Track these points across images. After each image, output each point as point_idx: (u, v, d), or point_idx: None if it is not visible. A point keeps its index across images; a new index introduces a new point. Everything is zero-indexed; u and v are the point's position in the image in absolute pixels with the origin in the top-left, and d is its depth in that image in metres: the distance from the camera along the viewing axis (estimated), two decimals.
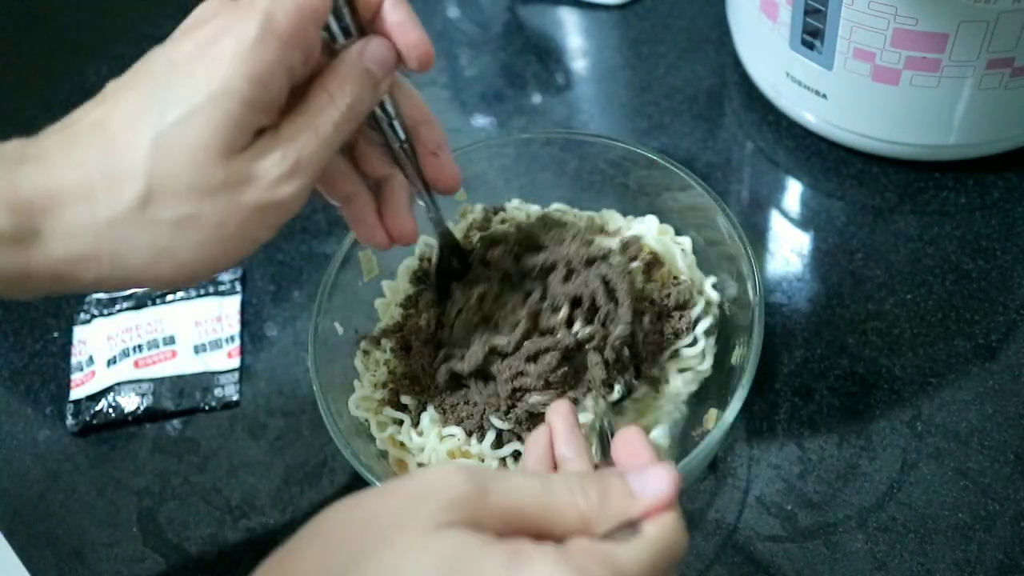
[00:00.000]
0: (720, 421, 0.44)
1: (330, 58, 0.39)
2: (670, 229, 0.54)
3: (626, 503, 0.31)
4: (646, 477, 0.32)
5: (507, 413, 0.47)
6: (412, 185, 0.45)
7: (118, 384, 0.59)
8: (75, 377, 0.60)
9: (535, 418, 0.46)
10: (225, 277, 0.63)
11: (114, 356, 0.60)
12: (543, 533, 0.30)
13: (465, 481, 0.30)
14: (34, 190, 0.35)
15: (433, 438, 0.48)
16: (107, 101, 0.37)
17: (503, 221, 0.55)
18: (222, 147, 0.36)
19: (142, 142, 0.35)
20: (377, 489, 0.32)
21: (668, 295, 0.50)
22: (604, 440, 0.44)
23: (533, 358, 0.46)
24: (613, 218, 0.55)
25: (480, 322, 0.48)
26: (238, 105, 0.35)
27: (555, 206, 0.56)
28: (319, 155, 0.38)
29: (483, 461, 0.47)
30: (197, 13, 0.38)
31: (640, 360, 0.48)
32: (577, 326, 0.47)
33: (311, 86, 0.39)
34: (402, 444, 0.50)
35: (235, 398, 0.58)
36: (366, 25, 0.40)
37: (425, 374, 0.49)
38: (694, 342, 0.49)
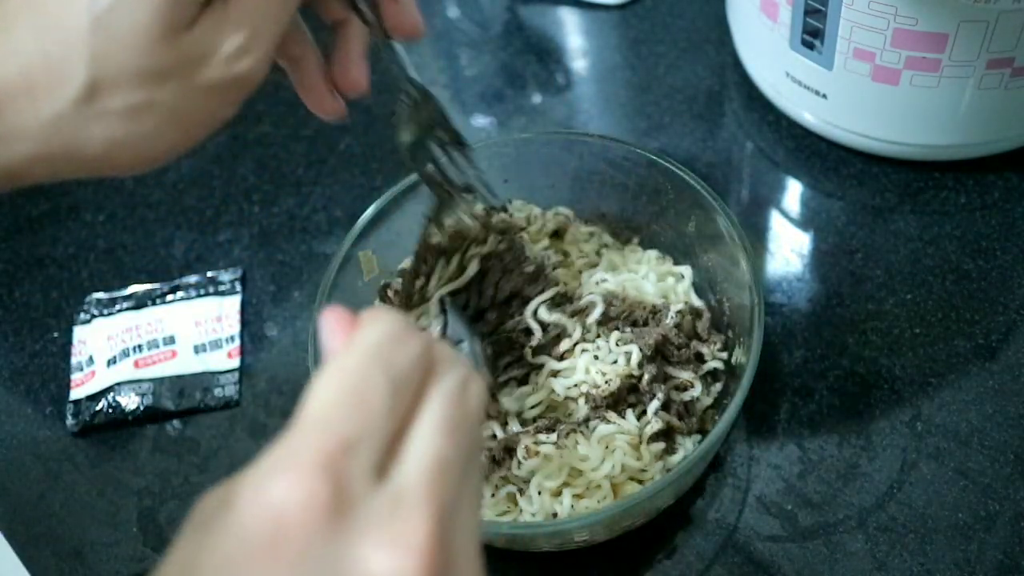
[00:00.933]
0: (720, 421, 0.44)
1: None
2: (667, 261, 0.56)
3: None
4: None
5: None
6: (373, 34, 0.41)
7: (118, 384, 0.59)
8: (75, 377, 0.60)
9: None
10: (225, 277, 0.63)
11: (114, 356, 0.60)
12: None
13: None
14: None
15: None
16: None
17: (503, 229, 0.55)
18: (167, 25, 0.32)
19: (79, 26, 0.31)
20: None
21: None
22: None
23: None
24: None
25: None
26: None
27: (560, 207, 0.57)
28: (277, 19, 0.34)
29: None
30: None
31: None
32: None
33: None
34: None
35: (235, 398, 0.58)
36: None
37: None
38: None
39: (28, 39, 0.32)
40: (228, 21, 0.33)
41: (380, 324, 0.28)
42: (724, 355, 0.50)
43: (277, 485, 0.24)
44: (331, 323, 0.30)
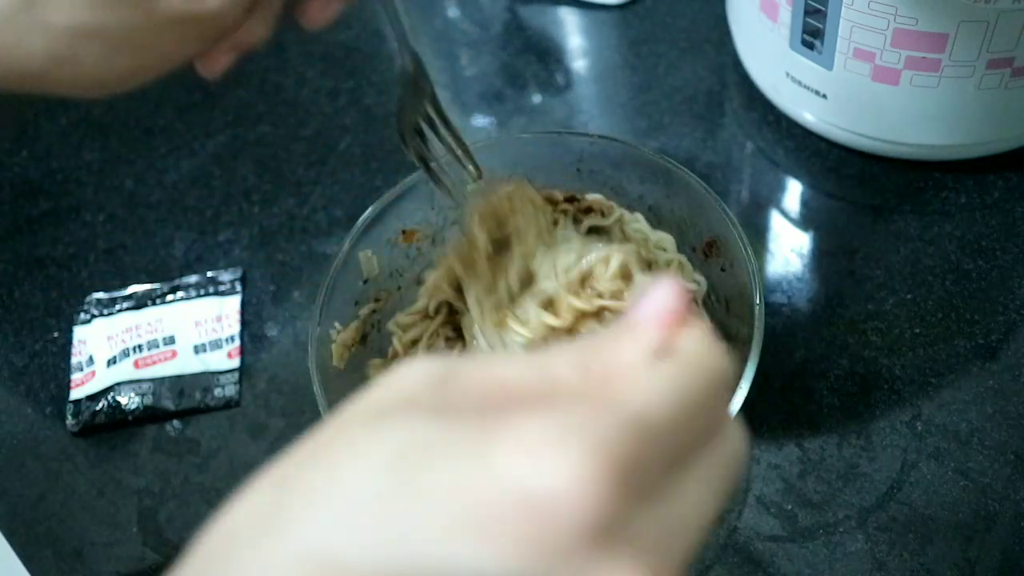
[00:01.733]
0: None
1: None
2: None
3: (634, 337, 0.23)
4: (643, 301, 0.24)
5: None
6: None
7: (118, 384, 0.59)
8: (75, 377, 0.60)
9: None
10: (225, 277, 0.63)
11: (114, 356, 0.60)
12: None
13: (427, 367, 0.23)
14: None
15: None
16: None
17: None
18: None
19: None
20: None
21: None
22: None
23: None
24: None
25: None
26: None
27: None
28: None
29: None
30: None
31: None
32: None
33: None
34: None
35: (235, 398, 0.58)
36: None
37: None
38: None
39: None
40: None
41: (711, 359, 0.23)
42: None
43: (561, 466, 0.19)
44: (664, 304, 0.24)
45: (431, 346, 0.52)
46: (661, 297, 0.24)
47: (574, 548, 0.19)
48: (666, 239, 0.54)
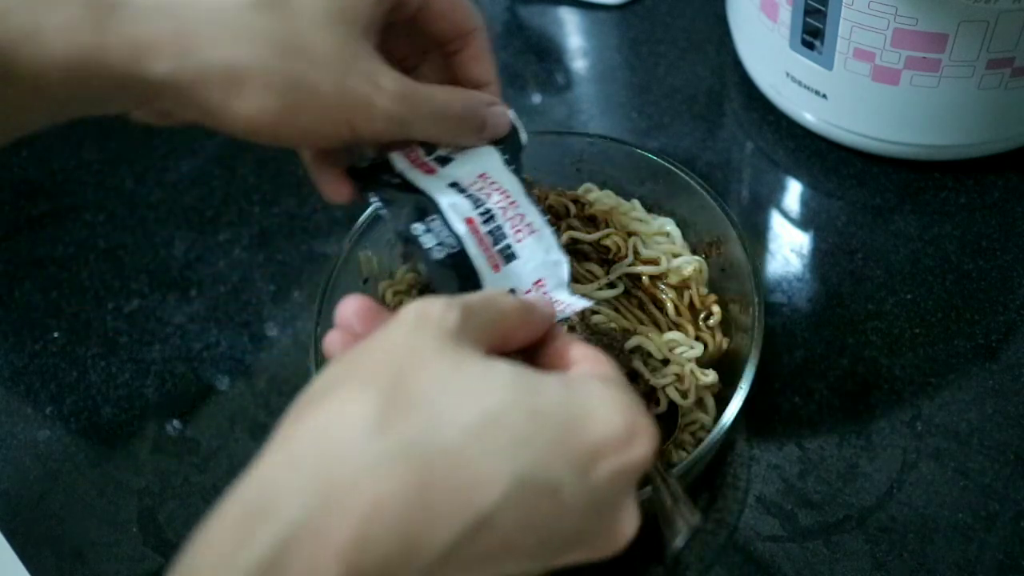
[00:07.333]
0: (720, 421, 0.44)
1: None
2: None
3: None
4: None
5: None
6: None
7: None
8: None
9: None
10: None
11: None
12: (519, 337, 0.33)
13: (448, 307, 0.31)
14: None
15: None
16: None
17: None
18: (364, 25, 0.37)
19: None
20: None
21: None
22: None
23: None
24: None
25: None
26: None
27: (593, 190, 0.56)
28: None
29: None
30: None
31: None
32: None
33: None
34: None
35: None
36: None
37: None
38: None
39: None
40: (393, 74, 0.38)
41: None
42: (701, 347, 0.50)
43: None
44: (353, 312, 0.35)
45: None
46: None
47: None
48: (667, 223, 0.54)
